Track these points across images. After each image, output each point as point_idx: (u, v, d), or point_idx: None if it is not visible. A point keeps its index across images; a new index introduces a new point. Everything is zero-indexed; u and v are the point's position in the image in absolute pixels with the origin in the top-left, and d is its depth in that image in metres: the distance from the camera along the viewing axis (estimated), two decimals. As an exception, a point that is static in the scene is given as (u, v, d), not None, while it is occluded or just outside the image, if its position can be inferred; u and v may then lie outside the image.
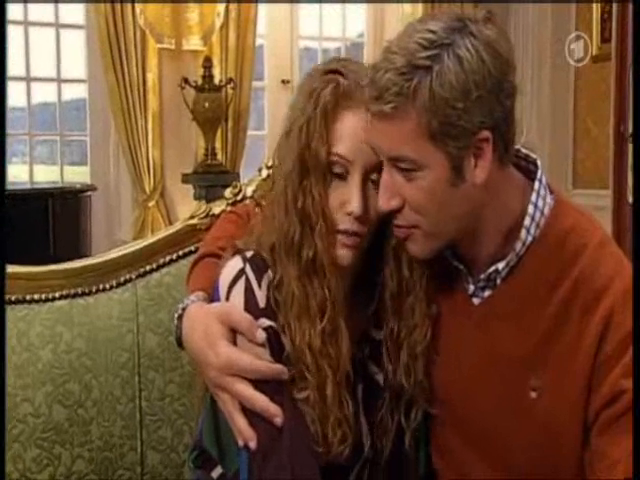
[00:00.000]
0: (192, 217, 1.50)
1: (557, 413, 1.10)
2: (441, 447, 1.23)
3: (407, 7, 4.86)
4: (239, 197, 1.48)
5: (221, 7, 4.38)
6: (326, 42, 5.33)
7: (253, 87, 4.63)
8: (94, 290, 1.44)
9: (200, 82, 4.28)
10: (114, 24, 4.17)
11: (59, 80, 4.59)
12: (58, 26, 4.53)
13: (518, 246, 1.13)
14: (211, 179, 4.22)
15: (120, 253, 1.48)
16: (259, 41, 4.74)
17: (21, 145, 4.60)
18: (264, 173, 1.49)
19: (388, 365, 1.18)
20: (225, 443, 1.15)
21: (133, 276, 1.46)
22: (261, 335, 1.10)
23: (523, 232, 1.13)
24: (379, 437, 1.19)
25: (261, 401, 1.08)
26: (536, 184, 1.15)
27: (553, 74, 4.77)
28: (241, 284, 1.12)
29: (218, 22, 4.38)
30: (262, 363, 1.09)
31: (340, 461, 1.12)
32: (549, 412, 1.11)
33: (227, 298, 1.13)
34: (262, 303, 1.12)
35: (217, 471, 1.17)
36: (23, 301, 1.40)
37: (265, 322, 1.11)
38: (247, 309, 1.11)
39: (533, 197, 1.14)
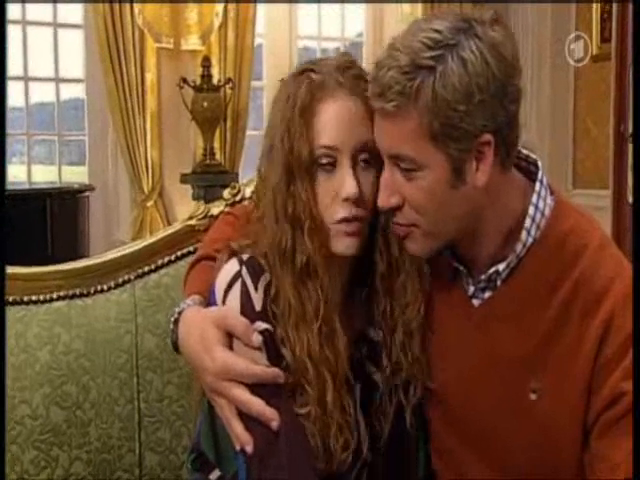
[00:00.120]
0: (191, 218, 1.50)
1: (557, 415, 1.10)
2: (440, 447, 1.22)
3: (406, 7, 4.86)
4: (238, 198, 1.48)
5: (220, 7, 4.37)
6: (325, 42, 5.33)
7: (252, 87, 4.63)
8: (92, 291, 1.44)
9: (199, 82, 4.28)
10: (112, 24, 4.17)
11: (57, 80, 4.59)
12: (56, 25, 4.53)
13: (518, 247, 1.13)
14: (210, 179, 4.21)
15: (118, 254, 1.47)
16: (258, 41, 4.74)
17: (19, 145, 4.60)
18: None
19: (384, 348, 1.19)
20: (223, 447, 1.14)
21: (131, 277, 1.45)
22: (257, 339, 1.09)
23: (523, 233, 1.12)
24: (378, 420, 1.19)
25: (257, 405, 1.08)
26: (537, 185, 1.14)
27: (553, 74, 4.77)
28: (237, 287, 1.12)
29: (217, 22, 4.38)
30: (258, 367, 1.09)
31: (342, 470, 1.12)
32: (549, 414, 1.11)
33: (223, 302, 1.13)
34: (258, 306, 1.11)
35: (215, 474, 1.17)
36: (21, 302, 1.39)
37: (261, 325, 1.10)
38: (243, 312, 1.11)
39: (534, 198, 1.13)
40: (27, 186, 4.48)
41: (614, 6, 4.10)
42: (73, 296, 1.42)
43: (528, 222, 1.12)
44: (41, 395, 1.35)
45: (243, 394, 1.08)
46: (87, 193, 4.12)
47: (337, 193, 1.12)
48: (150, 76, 4.33)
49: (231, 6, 4.42)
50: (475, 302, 1.18)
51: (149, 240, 1.50)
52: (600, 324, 1.08)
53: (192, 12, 4.34)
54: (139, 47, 4.27)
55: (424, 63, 1.02)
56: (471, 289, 1.18)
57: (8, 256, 1.29)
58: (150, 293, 1.45)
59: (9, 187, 4.12)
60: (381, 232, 1.18)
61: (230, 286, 1.12)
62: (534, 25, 4.78)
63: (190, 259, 1.37)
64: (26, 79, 4.46)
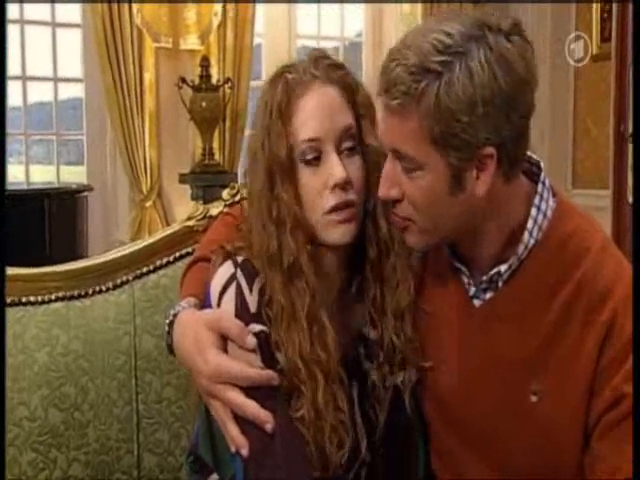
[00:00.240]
0: (189, 219, 1.50)
1: (557, 417, 1.10)
2: (440, 448, 1.22)
3: (406, 7, 4.86)
4: (237, 198, 1.47)
5: (219, 6, 4.36)
6: (324, 41, 5.32)
7: (251, 87, 4.61)
8: (91, 292, 1.43)
9: (197, 81, 4.27)
10: (111, 23, 4.16)
11: (55, 79, 4.57)
12: (54, 25, 4.52)
13: (520, 249, 1.12)
14: (208, 179, 4.21)
15: (117, 255, 1.47)
16: (257, 40, 4.73)
17: (17, 145, 4.58)
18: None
19: (373, 330, 1.19)
20: (220, 450, 1.14)
21: (130, 278, 1.45)
22: (251, 341, 1.10)
23: (526, 235, 1.12)
24: (374, 410, 1.19)
25: (251, 408, 1.08)
26: (539, 187, 1.14)
27: (553, 74, 4.76)
28: (232, 290, 1.12)
29: (216, 21, 4.37)
30: (252, 370, 1.09)
31: (339, 474, 1.12)
32: (549, 416, 1.10)
33: (218, 304, 1.13)
34: (253, 308, 1.12)
35: (213, 477, 1.17)
36: (19, 303, 1.39)
37: (256, 327, 1.11)
38: (238, 314, 1.11)
39: (536, 200, 1.13)
40: (25, 186, 4.47)
41: (614, 6, 4.11)
42: (71, 297, 1.42)
43: (530, 223, 1.12)
44: (39, 397, 1.35)
45: (237, 397, 1.08)
46: (85, 193, 4.11)
47: (325, 183, 1.13)
48: (149, 76, 4.32)
49: (230, 6, 4.41)
50: (476, 303, 1.18)
51: (148, 241, 1.50)
52: (602, 326, 1.08)
53: (191, 12, 4.33)
54: (137, 47, 4.26)
55: (431, 67, 1.01)
56: (472, 290, 1.18)
57: (7, 257, 1.28)
58: (149, 294, 1.44)
59: (8, 187, 4.11)
60: (371, 218, 1.19)
61: (225, 288, 1.13)
62: (534, 25, 4.77)
63: (189, 260, 1.36)
64: (24, 78, 4.45)
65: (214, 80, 4.33)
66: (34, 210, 3.73)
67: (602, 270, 1.11)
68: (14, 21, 4.30)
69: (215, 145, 4.41)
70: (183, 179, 4.31)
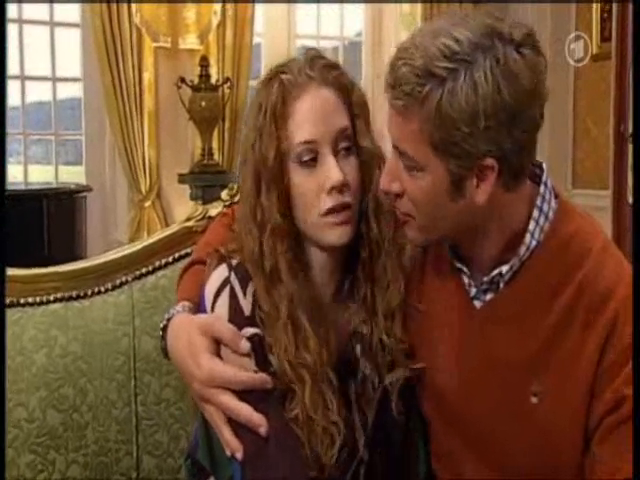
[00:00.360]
0: (188, 219, 1.50)
1: (558, 419, 1.10)
2: (439, 448, 1.22)
3: (405, 7, 4.86)
4: (236, 199, 1.47)
5: (218, 6, 4.36)
6: (324, 41, 5.32)
7: (250, 86, 4.61)
8: (89, 293, 1.43)
9: (197, 81, 4.27)
10: (110, 22, 4.16)
11: (54, 79, 4.57)
12: (53, 24, 4.51)
13: (522, 250, 1.12)
14: (208, 179, 4.20)
15: (116, 256, 1.47)
16: (256, 40, 4.73)
17: (15, 145, 4.58)
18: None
19: (365, 327, 1.19)
20: (218, 454, 1.14)
21: (129, 279, 1.45)
22: (245, 345, 1.10)
23: (527, 236, 1.12)
24: (364, 406, 1.18)
25: (245, 411, 1.08)
26: (541, 188, 1.14)
27: (553, 74, 4.75)
28: (226, 293, 1.12)
29: (215, 21, 4.37)
30: (245, 374, 1.09)
31: (335, 475, 1.12)
32: (550, 417, 1.10)
33: (212, 308, 1.13)
34: (247, 311, 1.12)
35: (212, 480, 1.17)
36: (17, 304, 1.39)
37: (249, 330, 1.11)
38: (232, 318, 1.11)
39: (538, 201, 1.13)
40: (23, 186, 4.46)
41: (614, 6, 4.11)
42: (70, 298, 1.41)
43: (532, 225, 1.12)
44: (38, 398, 1.34)
45: (230, 401, 1.08)
46: (84, 193, 4.11)
47: (322, 185, 1.13)
48: (148, 75, 4.31)
49: (229, 5, 4.41)
50: (477, 304, 1.17)
51: (147, 241, 1.50)
52: (603, 327, 1.08)
53: (190, 11, 4.33)
54: (136, 46, 4.26)
55: (436, 72, 1.00)
56: (473, 291, 1.17)
57: (6, 257, 1.28)
58: (148, 295, 1.44)
59: (6, 187, 4.10)
60: (363, 219, 1.19)
61: (219, 292, 1.13)
62: (534, 25, 4.66)
63: (188, 261, 1.35)
64: (23, 78, 4.44)
65: (213, 80, 4.33)
66: (32, 210, 3.73)
67: (603, 271, 1.10)
68: (13, 20, 4.29)
69: (214, 145, 4.41)
70: (182, 179, 4.31)
